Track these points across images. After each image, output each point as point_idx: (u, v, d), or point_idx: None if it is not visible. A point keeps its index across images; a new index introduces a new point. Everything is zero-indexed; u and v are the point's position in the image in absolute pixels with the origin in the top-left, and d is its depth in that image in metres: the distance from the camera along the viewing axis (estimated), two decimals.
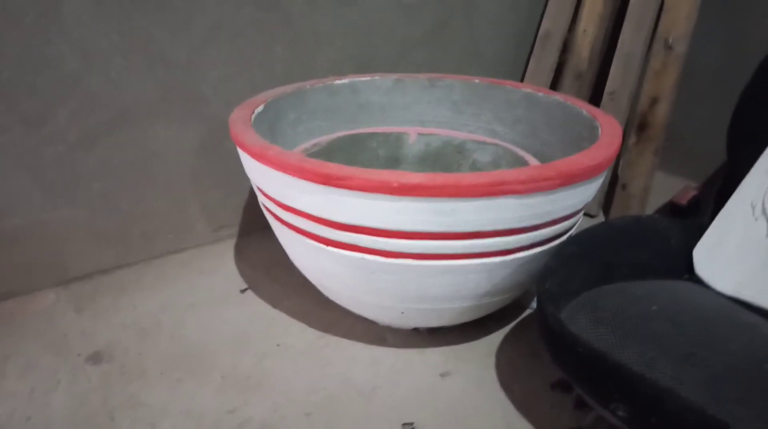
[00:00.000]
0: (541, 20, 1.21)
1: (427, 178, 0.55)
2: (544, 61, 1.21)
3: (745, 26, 1.14)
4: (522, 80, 1.26)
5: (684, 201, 0.77)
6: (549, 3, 1.20)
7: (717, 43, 1.19)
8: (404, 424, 0.65)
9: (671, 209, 0.78)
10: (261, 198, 0.73)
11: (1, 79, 0.75)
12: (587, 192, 0.64)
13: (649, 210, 1.17)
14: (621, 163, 1.14)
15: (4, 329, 0.80)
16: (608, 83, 1.14)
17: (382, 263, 0.62)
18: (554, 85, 1.22)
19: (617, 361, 0.48)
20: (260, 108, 0.80)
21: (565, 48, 1.20)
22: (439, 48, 1.14)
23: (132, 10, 0.80)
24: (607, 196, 1.19)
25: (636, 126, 1.11)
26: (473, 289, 0.66)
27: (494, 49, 1.22)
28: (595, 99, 1.17)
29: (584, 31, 1.17)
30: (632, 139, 1.12)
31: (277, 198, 0.66)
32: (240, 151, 0.69)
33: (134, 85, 0.85)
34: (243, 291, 0.90)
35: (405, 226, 0.58)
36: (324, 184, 0.58)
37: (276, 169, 0.61)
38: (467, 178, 0.56)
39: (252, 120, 0.76)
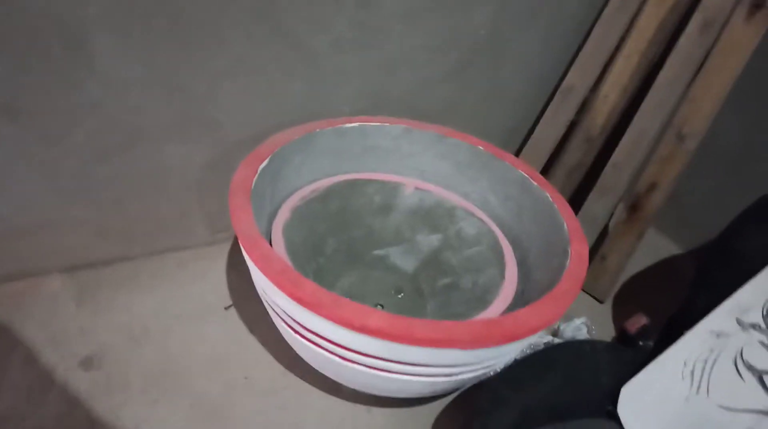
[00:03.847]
0: (565, 73, 1.20)
1: (385, 323, 0.62)
2: (561, 114, 1.22)
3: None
4: (534, 128, 1.26)
5: (632, 329, 0.84)
6: (578, 58, 1.18)
7: (737, 133, 1.20)
8: None
9: (620, 334, 0.85)
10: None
11: (26, 101, 0.79)
12: (531, 339, 0.71)
13: (621, 280, 1.23)
14: (607, 234, 1.18)
15: (14, 312, 0.91)
16: (615, 154, 1.15)
17: (339, 363, 0.71)
18: (563, 143, 1.23)
19: None
20: (265, 163, 0.85)
21: (582, 107, 1.20)
22: (459, 88, 1.15)
23: (157, 45, 0.82)
24: None
25: (629, 205, 1.14)
26: (418, 392, 0.75)
27: (515, 94, 1.22)
28: (599, 165, 1.19)
29: (606, 96, 1.16)
30: (622, 216, 1.16)
31: (258, 282, 0.73)
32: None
33: (151, 110, 0.88)
34: (227, 308, 0.99)
35: (362, 348, 0.66)
36: (296, 301, 0.64)
37: (257, 268, 0.68)
38: (420, 329, 0.62)
39: (254, 181, 0.80)
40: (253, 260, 0.68)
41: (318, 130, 0.96)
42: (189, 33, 0.83)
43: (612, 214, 1.18)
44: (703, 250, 0.88)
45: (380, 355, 0.66)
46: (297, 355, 0.90)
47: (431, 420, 0.88)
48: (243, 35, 0.87)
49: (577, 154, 1.21)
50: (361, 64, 1.01)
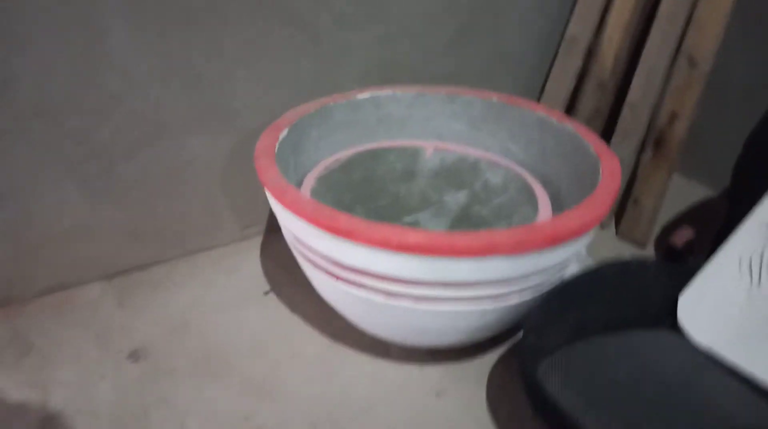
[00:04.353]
0: (567, 24, 1.21)
1: (424, 237, 0.61)
2: (568, 66, 1.22)
3: None
4: (545, 85, 1.26)
5: (679, 244, 0.80)
6: (576, 7, 1.19)
7: (750, 59, 1.18)
8: None
9: (667, 250, 0.82)
10: (282, 226, 0.80)
11: (53, 101, 0.82)
12: (576, 246, 0.69)
13: (660, 223, 1.20)
14: (636, 176, 1.16)
15: (57, 318, 0.91)
16: (629, 95, 1.14)
17: (384, 303, 0.69)
18: (576, 92, 1.23)
19: (578, 424, 0.54)
20: (284, 132, 0.86)
21: (589, 54, 1.20)
22: (464, 53, 1.16)
23: (170, 36, 0.85)
24: (620, 207, 1.21)
25: (653, 142, 1.12)
26: (467, 327, 0.73)
27: (519, 53, 1.23)
28: (616, 109, 1.18)
29: (610, 38, 1.16)
30: (648, 155, 1.13)
31: (294, 232, 0.73)
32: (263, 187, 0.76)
33: (170, 102, 0.91)
34: (266, 293, 0.99)
35: (404, 274, 0.65)
36: (332, 233, 0.64)
37: (291, 212, 0.68)
38: (461, 239, 0.61)
39: (276, 148, 0.81)
40: (285, 205, 0.68)
41: (332, 103, 0.97)
42: (197, 20, 0.86)
43: (638, 156, 1.16)
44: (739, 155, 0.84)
45: (423, 279, 0.64)
46: (342, 327, 0.89)
47: (486, 372, 0.85)
48: (248, 18, 0.90)
49: (592, 102, 1.20)
50: (364, 38, 1.03)
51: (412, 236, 0.61)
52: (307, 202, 0.67)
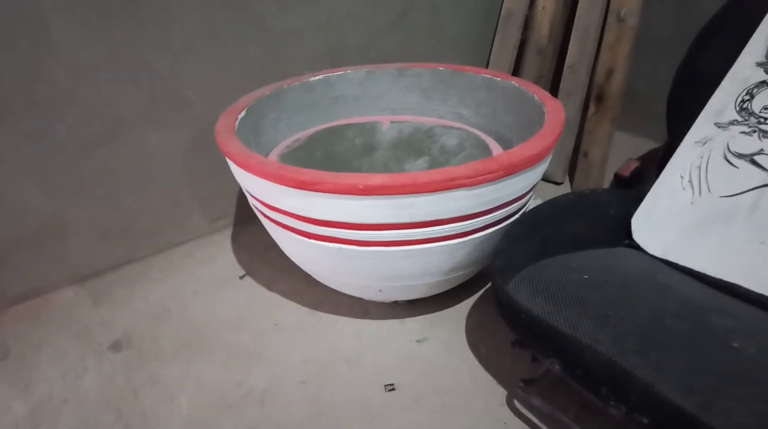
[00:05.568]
0: (503, 0, 1.28)
1: (387, 178, 0.64)
2: (508, 39, 1.28)
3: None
4: (489, 59, 1.33)
5: (627, 173, 0.86)
6: None
7: (668, 13, 1.27)
8: (386, 385, 0.76)
9: (616, 180, 0.87)
10: (249, 198, 0.82)
11: (4, 98, 0.82)
12: (531, 177, 0.73)
13: (610, 172, 1.26)
14: (583, 132, 1.23)
15: (33, 323, 0.91)
16: (567, 57, 1.21)
17: (357, 251, 0.72)
18: (518, 62, 1.29)
19: (550, 325, 0.58)
20: (242, 113, 0.88)
21: (527, 25, 1.27)
22: (407, 33, 1.21)
23: (115, 26, 0.87)
24: (572, 164, 1.28)
25: (594, 97, 1.19)
26: (438, 267, 0.76)
27: (459, 31, 1.28)
28: (557, 73, 1.25)
29: (543, 8, 1.23)
30: (591, 110, 1.20)
31: (262, 199, 0.75)
32: (227, 159, 0.78)
33: (123, 95, 0.92)
34: (242, 277, 1.00)
35: (373, 219, 0.68)
36: (300, 188, 0.67)
37: (258, 176, 0.70)
38: (422, 176, 0.65)
39: (236, 126, 0.84)
40: (250, 170, 0.70)
41: (286, 86, 1.00)
42: (141, 9, 0.88)
43: (583, 113, 1.23)
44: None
45: (391, 221, 0.68)
46: (321, 297, 0.91)
47: (463, 318, 0.88)
48: (191, 6, 0.92)
49: (534, 69, 1.26)
50: (309, 22, 1.07)
51: (377, 178, 0.64)
52: (271, 163, 0.70)
